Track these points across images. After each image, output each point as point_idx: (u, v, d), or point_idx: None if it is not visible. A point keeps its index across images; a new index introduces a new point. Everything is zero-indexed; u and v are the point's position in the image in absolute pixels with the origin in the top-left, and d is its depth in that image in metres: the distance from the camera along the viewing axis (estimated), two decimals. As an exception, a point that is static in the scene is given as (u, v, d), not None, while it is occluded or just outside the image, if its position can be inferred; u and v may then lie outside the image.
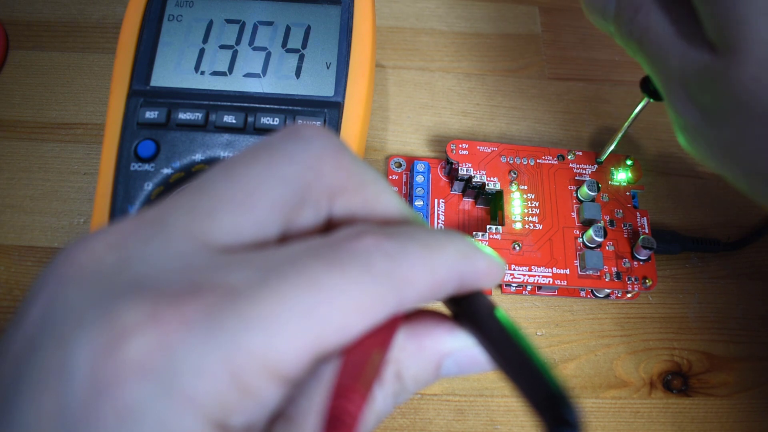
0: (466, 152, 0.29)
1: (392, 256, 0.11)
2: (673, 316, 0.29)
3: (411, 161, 0.30)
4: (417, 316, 0.13)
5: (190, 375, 0.09)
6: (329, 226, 0.13)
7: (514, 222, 0.27)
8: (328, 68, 0.25)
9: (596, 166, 0.29)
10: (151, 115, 0.24)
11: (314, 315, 0.10)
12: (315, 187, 0.12)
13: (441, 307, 0.14)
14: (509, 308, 0.28)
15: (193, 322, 0.10)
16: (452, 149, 0.29)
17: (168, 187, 0.23)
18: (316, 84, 0.25)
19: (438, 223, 0.29)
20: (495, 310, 0.13)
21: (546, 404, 0.10)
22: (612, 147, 0.28)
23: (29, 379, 0.10)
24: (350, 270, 0.11)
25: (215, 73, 0.25)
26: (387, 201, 0.13)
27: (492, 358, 0.12)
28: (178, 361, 0.09)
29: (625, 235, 0.28)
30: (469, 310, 0.13)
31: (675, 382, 0.27)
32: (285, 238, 0.12)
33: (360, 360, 0.11)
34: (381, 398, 0.12)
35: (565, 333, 0.28)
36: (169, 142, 0.24)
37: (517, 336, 0.12)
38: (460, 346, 0.13)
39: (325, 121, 0.24)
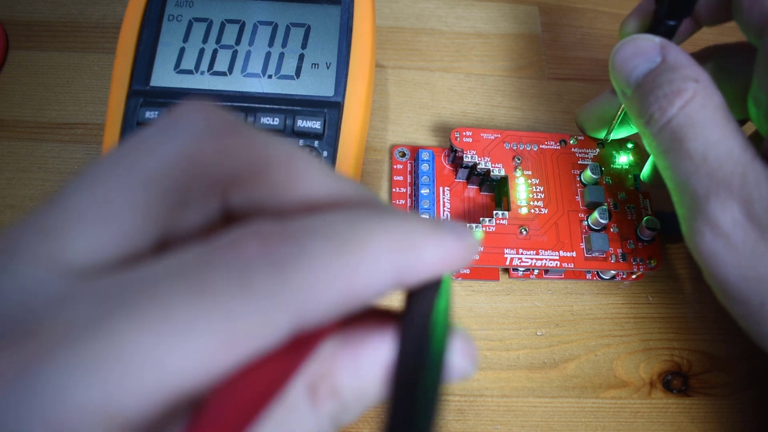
0: (470, 139, 0.29)
1: (282, 266, 0.09)
2: (673, 316, 0.29)
3: (415, 150, 0.30)
4: (354, 319, 0.11)
5: None
6: (231, 220, 0.11)
7: (520, 207, 0.28)
8: (328, 68, 0.25)
9: (598, 150, 0.29)
10: (151, 115, 0.24)
11: (161, 356, 0.09)
12: (194, 181, 0.10)
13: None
14: (509, 308, 0.28)
15: (8, 378, 0.08)
16: (456, 137, 0.29)
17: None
18: (316, 84, 0.25)
19: (444, 210, 0.29)
20: (431, 317, 0.10)
21: None
22: (614, 128, 0.28)
23: None
24: (218, 293, 0.09)
25: (215, 73, 0.25)
26: (309, 182, 0.11)
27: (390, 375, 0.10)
28: None
29: (629, 217, 0.28)
30: (405, 310, 0.11)
31: (675, 382, 0.27)
32: (167, 245, 0.11)
33: (239, 399, 0.09)
34: (314, 423, 0.11)
35: (565, 333, 0.28)
36: (169, 142, 0.24)
37: (430, 366, 0.10)
38: None
39: (325, 121, 0.24)
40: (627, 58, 0.20)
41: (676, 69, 0.18)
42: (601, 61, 0.36)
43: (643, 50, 0.19)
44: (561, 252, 0.27)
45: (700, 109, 0.18)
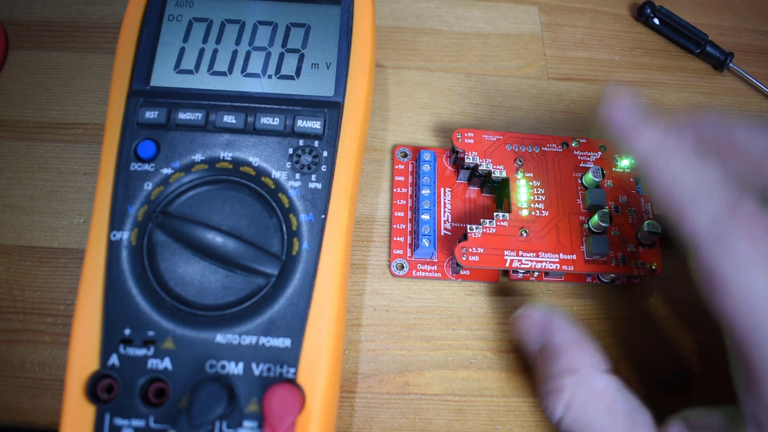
0: (471, 141, 0.29)
1: None
2: (673, 316, 0.29)
3: (417, 150, 0.30)
4: None
5: None
6: None
7: (521, 209, 0.27)
8: (328, 68, 0.25)
9: (600, 153, 0.29)
10: (151, 115, 0.24)
11: None
12: None
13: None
14: (509, 308, 0.28)
15: None
16: (458, 138, 0.29)
17: (168, 186, 0.23)
18: (316, 84, 0.25)
19: (444, 211, 0.29)
20: None
21: None
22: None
23: None
24: None
25: (215, 73, 0.25)
26: None
27: None
28: None
29: (630, 221, 0.28)
30: None
31: (675, 382, 0.27)
32: None
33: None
34: None
35: (565, 333, 0.28)
36: (169, 142, 0.24)
37: None
38: None
39: (325, 121, 0.24)
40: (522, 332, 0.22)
41: (557, 356, 0.20)
42: (601, 61, 0.36)
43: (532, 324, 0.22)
44: (561, 255, 0.27)
45: (581, 412, 0.19)
